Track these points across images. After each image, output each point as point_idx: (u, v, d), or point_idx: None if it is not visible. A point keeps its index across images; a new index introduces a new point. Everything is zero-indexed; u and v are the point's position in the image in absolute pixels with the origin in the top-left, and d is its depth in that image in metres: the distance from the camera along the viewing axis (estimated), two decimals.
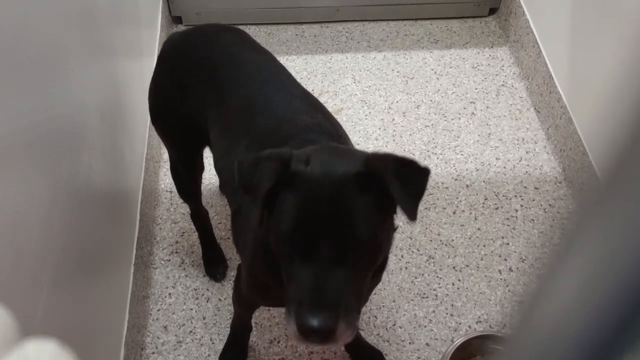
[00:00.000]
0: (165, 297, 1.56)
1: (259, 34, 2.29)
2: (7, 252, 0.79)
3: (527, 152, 1.88)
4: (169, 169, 1.50)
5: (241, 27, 2.35)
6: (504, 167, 1.84)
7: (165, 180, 1.80)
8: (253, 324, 1.44)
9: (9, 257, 0.80)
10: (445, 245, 1.65)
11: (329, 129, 1.03)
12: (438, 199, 1.76)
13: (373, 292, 1.56)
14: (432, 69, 2.16)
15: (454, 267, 1.61)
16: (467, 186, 1.79)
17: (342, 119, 1.99)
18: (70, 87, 1.11)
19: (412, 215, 0.80)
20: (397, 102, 2.04)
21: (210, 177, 1.73)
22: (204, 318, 1.52)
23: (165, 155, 1.85)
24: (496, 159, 1.87)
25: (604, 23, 1.59)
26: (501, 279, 1.58)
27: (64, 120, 1.06)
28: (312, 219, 0.79)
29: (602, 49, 1.60)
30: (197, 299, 1.56)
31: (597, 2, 1.62)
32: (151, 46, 1.93)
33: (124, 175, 1.47)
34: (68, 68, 1.10)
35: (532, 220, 1.71)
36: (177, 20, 2.31)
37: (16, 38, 0.87)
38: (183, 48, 1.25)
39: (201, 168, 1.42)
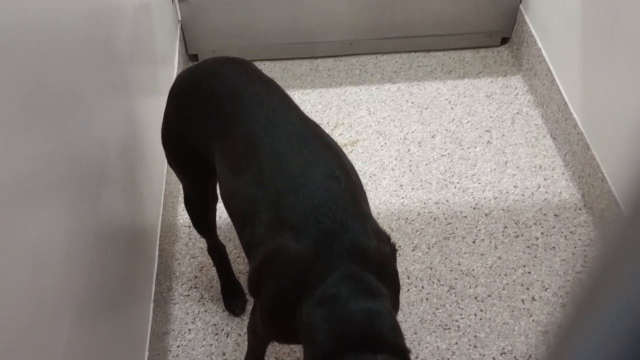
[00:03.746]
0: (185, 332, 1.56)
1: (274, 70, 2.32)
2: (28, 291, 0.80)
3: (545, 179, 1.87)
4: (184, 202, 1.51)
5: (256, 63, 2.39)
6: (523, 195, 1.83)
7: (184, 215, 1.81)
8: (273, 359, 1.43)
9: (31, 296, 0.81)
10: (466, 275, 1.63)
11: (330, 213, 0.97)
12: (457, 228, 1.75)
13: None
14: (446, 99, 2.16)
15: (475, 297, 1.58)
16: (486, 215, 1.78)
17: (358, 150, 2.00)
18: (91, 126, 1.13)
19: None
20: (412, 132, 2.05)
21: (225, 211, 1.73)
22: (224, 354, 1.51)
23: None
24: (514, 186, 1.85)
25: (614, 49, 1.59)
26: (524, 309, 1.55)
27: (84, 159, 1.08)
28: None
29: (614, 74, 1.60)
30: (216, 334, 1.55)
31: (605, 29, 1.62)
32: (168, 84, 1.96)
33: (143, 212, 1.48)
34: (88, 108, 1.12)
35: (554, 247, 1.69)
36: (194, 58, 2.36)
37: (37, 80, 0.90)
38: (190, 82, 1.28)
39: (214, 199, 1.43)
